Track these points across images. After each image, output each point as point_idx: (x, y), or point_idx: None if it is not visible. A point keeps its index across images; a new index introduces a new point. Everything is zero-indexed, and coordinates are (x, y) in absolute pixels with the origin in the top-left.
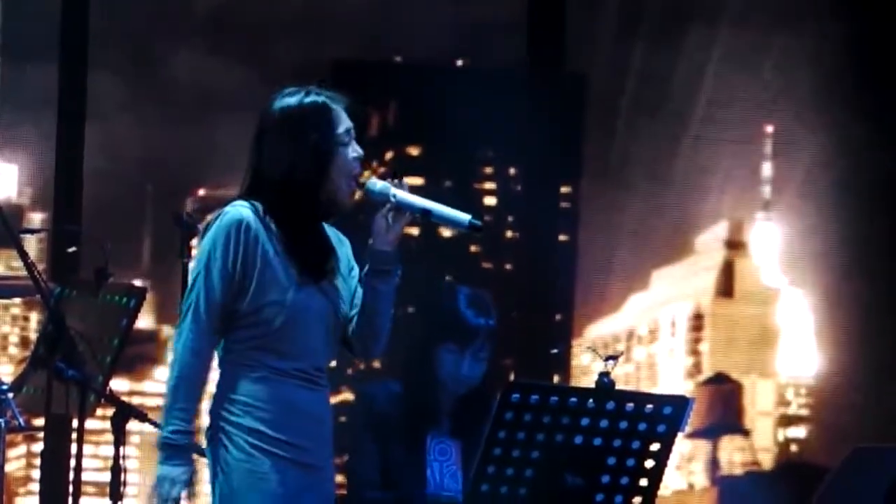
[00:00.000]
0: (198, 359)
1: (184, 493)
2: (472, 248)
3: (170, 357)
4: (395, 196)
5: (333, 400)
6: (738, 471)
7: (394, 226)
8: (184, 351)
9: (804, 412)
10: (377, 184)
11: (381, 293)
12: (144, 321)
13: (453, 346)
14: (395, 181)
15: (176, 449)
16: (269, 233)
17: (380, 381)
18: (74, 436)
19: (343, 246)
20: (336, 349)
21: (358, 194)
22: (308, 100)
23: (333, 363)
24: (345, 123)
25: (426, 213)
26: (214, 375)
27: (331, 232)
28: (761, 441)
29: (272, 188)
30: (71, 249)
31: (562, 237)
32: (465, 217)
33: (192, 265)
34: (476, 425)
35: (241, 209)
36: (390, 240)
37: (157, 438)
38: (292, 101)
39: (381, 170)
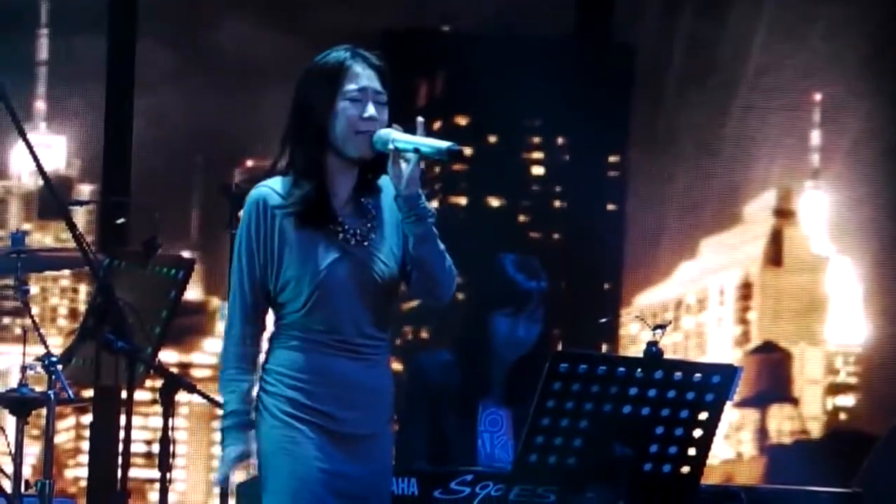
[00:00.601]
0: (243, 342)
1: (241, 468)
2: (521, 218)
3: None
4: (394, 141)
5: None
6: (787, 440)
7: (405, 171)
8: (230, 338)
9: (853, 380)
10: (380, 134)
11: (418, 238)
12: (193, 292)
13: (508, 311)
14: (396, 126)
15: (226, 431)
16: (290, 207)
17: (430, 351)
18: (123, 407)
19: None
20: (386, 312)
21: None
22: (328, 56)
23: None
24: (361, 82)
25: (416, 150)
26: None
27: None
28: (810, 410)
29: (289, 142)
30: (119, 221)
31: (610, 206)
32: (444, 145)
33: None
34: (527, 393)
35: (259, 189)
36: (406, 184)
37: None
38: (317, 58)
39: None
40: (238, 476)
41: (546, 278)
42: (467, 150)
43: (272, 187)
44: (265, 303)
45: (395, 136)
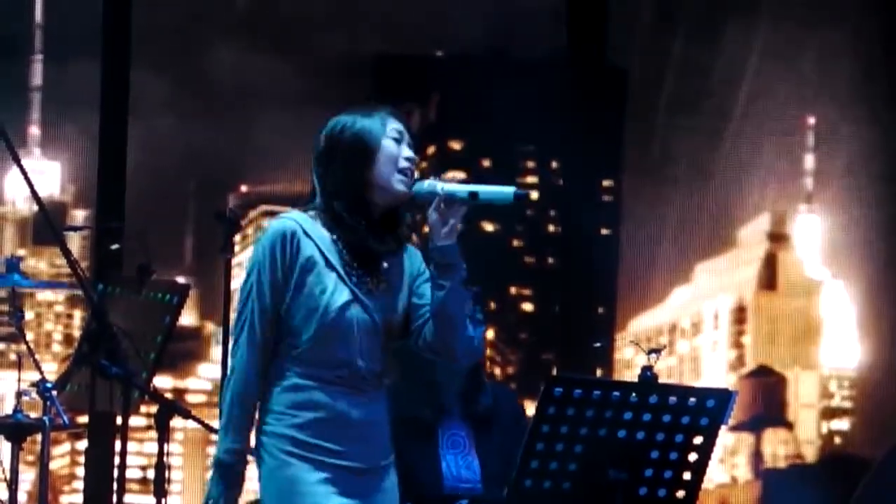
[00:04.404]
0: (254, 376)
1: None
2: (515, 243)
3: (229, 367)
4: (442, 188)
5: None
6: (782, 463)
7: (448, 219)
8: (240, 368)
9: (847, 404)
10: (423, 184)
11: (447, 289)
12: (187, 318)
13: None
14: (439, 177)
15: (224, 469)
16: (315, 241)
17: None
18: (118, 433)
19: (409, 256)
20: (385, 351)
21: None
22: (366, 109)
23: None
24: (399, 125)
25: (473, 196)
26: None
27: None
28: (805, 433)
29: (327, 189)
30: (114, 247)
31: (604, 231)
32: (509, 190)
33: (239, 282)
34: (479, 400)
35: (285, 220)
36: (446, 233)
37: (213, 457)
38: (343, 115)
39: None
40: None
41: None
42: (460, 175)
43: (298, 221)
44: (274, 337)
45: (445, 185)
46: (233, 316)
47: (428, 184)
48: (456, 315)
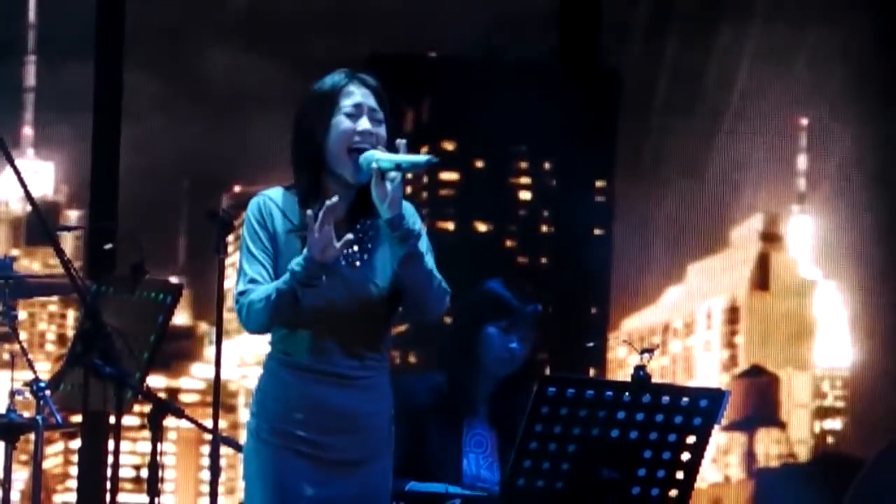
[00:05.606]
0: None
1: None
2: (508, 243)
3: (252, 308)
4: (377, 161)
5: None
6: (775, 463)
7: (389, 192)
8: (253, 301)
9: (840, 404)
10: (366, 155)
11: (402, 258)
12: (180, 318)
13: (502, 324)
14: (381, 147)
15: (295, 274)
16: (288, 215)
17: (419, 373)
18: (112, 432)
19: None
20: (380, 334)
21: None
22: (325, 79)
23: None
24: (356, 99)
25: (398, 167)
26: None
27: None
28: (797, 433)
29: (293, 165)
30: (107, 246)
31: (597, 231)
32: (423, 158)
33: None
34: (512, 413)
35: (258, 196)
36: (389, 205)
37: (296, 272)
38: (317, 83)
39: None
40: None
41: (538, 302)
42: (453, 176)
43: (271, 197)
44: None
45: (379, 156)
46: (226, 316)
47: (369, 154)
48: (414, 279)
